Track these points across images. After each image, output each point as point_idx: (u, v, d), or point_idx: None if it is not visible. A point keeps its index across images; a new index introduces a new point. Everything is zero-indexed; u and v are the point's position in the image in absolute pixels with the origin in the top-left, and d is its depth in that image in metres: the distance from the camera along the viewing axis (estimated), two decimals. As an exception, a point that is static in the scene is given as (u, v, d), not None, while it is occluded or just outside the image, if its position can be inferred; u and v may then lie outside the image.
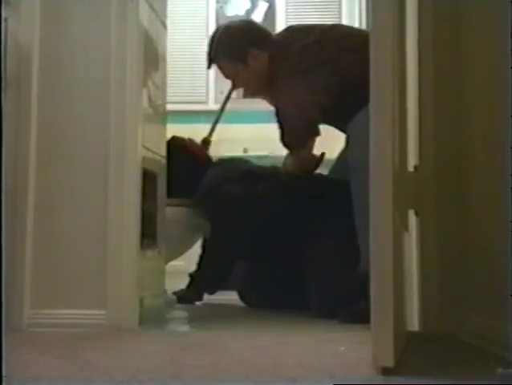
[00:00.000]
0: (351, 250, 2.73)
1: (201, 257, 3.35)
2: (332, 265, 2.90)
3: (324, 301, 2.82)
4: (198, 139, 3.42)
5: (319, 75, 2.87)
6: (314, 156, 3.05)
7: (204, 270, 3.31)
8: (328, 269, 2.90)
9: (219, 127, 3.45)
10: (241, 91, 3.28)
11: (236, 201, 3.07)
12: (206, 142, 3.38)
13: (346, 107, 2.82)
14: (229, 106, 3.38)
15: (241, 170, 3.22)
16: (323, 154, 3.06)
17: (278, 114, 3.00)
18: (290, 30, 3.16)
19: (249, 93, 3.18)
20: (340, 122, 2.97)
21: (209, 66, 3.18)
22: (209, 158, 3.36)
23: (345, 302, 2.68)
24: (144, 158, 2.56)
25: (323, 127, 2.99)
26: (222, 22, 5.14)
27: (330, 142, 3.19)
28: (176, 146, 3.21)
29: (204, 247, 3.36)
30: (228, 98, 3.29)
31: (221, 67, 3.14)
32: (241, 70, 3.08)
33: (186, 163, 3.25)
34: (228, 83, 3.25)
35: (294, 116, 2.92)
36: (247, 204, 3.06)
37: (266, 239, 3.04)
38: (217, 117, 3.32)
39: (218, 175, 3.19)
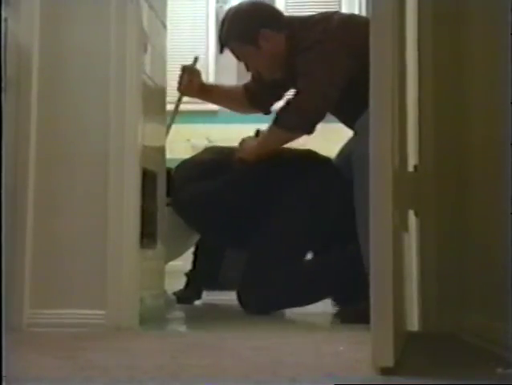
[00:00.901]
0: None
1: (195, 256, 3.36)
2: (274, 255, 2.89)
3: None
4: (197, 138, 3.42)
5: (343, 58, 2.84)
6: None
7: (197, 268, 3.32)
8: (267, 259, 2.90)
9: (219, 127, 3.45)
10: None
11: (199, 199, 3.06)
12: None
13: (358, 101, 2.77)
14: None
15: (199, 166, 3.19)
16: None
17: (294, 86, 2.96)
18: (306, 16, 3.14)
19: (265, 74, 3.14)
20: (349, 117, 2.94)
21: (221, 51, 3.12)
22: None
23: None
24: (143, 157, 2.56)
25: (321, 126, 2.98)
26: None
27: (329, 142, 3.19)
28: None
29: (196, 246, 3.37)
30: (179, 102, 3.22)
31: (232, 50, 3.09)
32: (253, 53, 3.04)
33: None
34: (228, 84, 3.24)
35: (322, 86, 2.86)
36: (212, 200, 3.04)
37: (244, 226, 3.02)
38: (170, 121, 3.24)
39: (180, 177, 3.17)
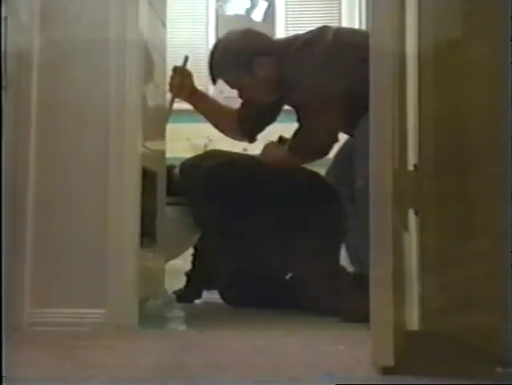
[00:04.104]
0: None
1: (194, 256, 3.36)
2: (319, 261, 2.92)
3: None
4: (197, 137, 3.42)
5: (340, 80, 2.85)
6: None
7: (197, 267, 3.33)
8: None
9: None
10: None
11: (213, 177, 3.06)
12: None
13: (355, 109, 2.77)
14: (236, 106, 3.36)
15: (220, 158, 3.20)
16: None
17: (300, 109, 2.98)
18: (294, 36, 3.13)
19: (260, 99, 3.14)
20: (348, 124, 2.95)
21: (214, 83, 3.11)
22: None
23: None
24: (143, 157, 2.56)
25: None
26: (222, 21, 5.15)
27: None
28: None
29: (195, 245, 3.37)
30: (172, 102, 3.20)
31: (226, 81, 3.08)
32: (247, 81, 3.03)
33: None
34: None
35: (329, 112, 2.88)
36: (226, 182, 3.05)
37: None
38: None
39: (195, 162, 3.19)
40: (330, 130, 2.92)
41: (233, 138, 3.38)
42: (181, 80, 3.15)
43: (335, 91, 2.83)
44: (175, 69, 3.18)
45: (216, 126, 3.40)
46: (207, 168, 3.09)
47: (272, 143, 3.13)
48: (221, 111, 3.35)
